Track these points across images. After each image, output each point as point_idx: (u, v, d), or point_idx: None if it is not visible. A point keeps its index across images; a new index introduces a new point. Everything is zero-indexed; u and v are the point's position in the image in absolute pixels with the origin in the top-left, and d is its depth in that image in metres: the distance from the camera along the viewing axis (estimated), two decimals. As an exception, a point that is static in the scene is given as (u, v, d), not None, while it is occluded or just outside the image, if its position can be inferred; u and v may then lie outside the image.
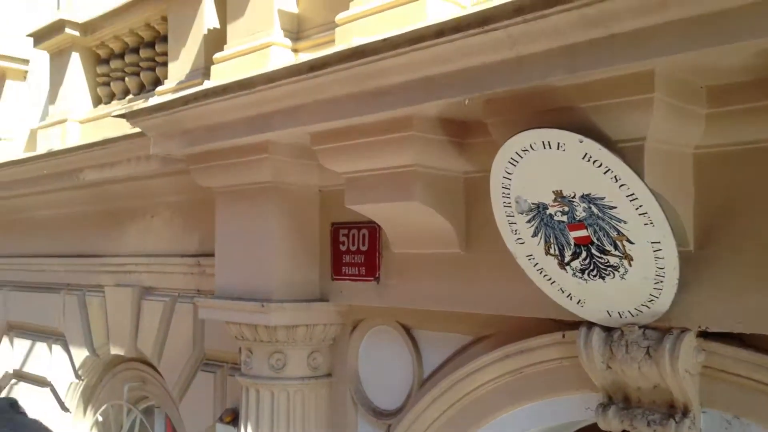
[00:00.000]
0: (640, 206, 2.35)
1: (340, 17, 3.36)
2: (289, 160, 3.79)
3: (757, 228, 2.35)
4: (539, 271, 2.77)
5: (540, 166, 2.51)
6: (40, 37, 6.10)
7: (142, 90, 5.47)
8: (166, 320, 5.01)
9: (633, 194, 2.34)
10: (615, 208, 2.41)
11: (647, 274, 2.47)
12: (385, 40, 2.75)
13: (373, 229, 3.65)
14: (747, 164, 2.37)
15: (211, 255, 4.36)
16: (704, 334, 2.52)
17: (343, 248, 3.82)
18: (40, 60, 6.69)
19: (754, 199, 2.35)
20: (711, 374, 2.55)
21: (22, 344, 6.64)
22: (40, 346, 6.28)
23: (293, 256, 3.92)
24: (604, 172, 2.36)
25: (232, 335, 4.07)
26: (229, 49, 4.10)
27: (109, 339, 5.51)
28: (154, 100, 4.37)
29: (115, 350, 5.45)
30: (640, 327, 2.62)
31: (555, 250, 2.67)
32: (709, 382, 2.56)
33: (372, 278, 3.64)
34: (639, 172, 2.31)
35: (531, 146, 2.48)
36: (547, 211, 2.60)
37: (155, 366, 5.15)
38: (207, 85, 3.86)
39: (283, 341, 3.90)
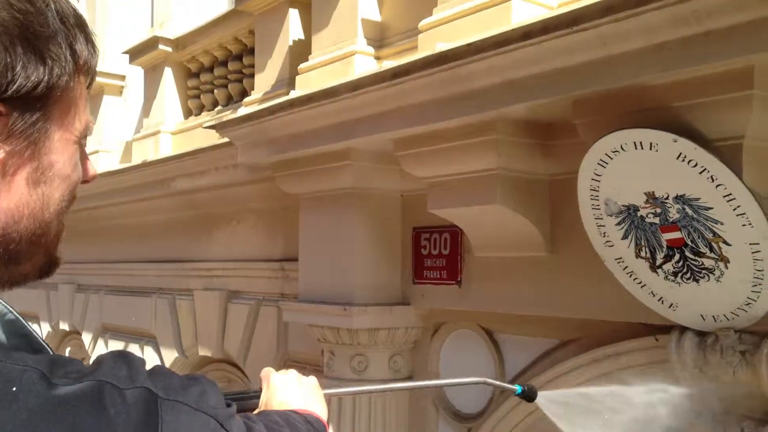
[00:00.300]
0: (738, 206, 2.28)
1: (423, 23, 3.41)
2: (371, 165, 3.85)
3: None
4: (629, 275, 2.73)
5: (631, 167, 2.48)
6: (135, 53, 6.43)
7: (230, 101, 5.67)
8: (252, 323, 5.16)
9: (730, 194, 2.28)
10: (711, 209, 2.35)
11: (745, 277, 2.39)
12: (469, 44, 2.77)
13: (455, 233, 3.67)
14: None
15: (295, 260, 4.47)
16: (806, 340, 2.42)
17: (424, 252, 3.85)
18: (135, 76, 7.04)
19: None
20: (814, 382, 2.45)
21: (115, 346, 6.96)
22: (133, 348, 6.57)
23: (375, 260, 3.97)
24: (700, 172, 2.31)
25: (315, 338, 4.15)
26: (313, 59, 4.21)
27: (197, 341, 5.71)
28: (241, 111, 4.55)
29: (203, 351, 5.65)
30: (736, 331, 2.54)
31: (646, 252, 2.62)
32: (811, 389, 2.45)
33: (454, 282, 3.65)
34: (737, 172, 2.24)
35: (622, 147, 2.46)
36: (638, 213, 2.56)
37: (241, 367, 5.30)
38: (292, 94, 3.99)
39: (365, 344, 3.96)
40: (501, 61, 2.68)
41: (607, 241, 2.72)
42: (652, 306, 2.71)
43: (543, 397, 2.10)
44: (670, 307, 2.66)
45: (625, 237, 2.65)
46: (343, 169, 3.89)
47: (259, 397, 1.46)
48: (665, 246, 2.55)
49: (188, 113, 6.24)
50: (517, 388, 1.95)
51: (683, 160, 2.32)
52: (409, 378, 4.03)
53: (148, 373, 0.92)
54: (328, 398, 1.55)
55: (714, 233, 2.39)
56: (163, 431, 0.85)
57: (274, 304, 4.87)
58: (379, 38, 3.99)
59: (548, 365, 3.25)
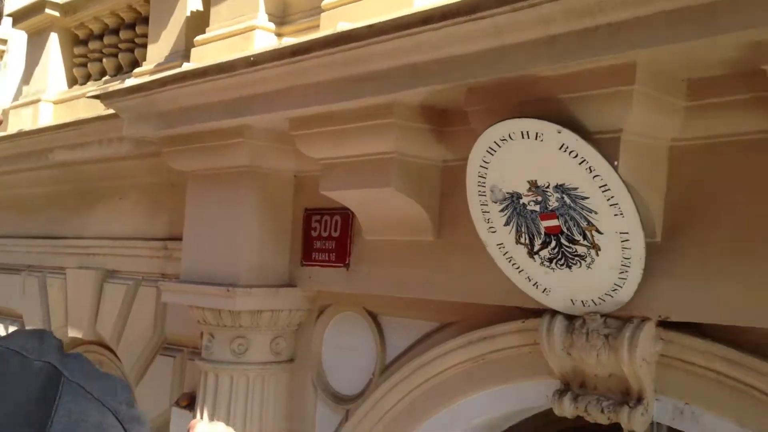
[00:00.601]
0: (612, 197, 2.44)
1: (326, 2, 3.42)
2: (265, 144, 3.80)
3: (723, 222, 2.45)
4: (508, 260, 2.85)
5: (517, 156, 2.59)
6: (19, 16, 6.03)
7: (120, 72, 5.44)
8: (128, 303, 4.96)
9: (606, 185, 2.43)
10: (587, 198, 2.50)
11: (613, 264, 2.56)
12: (370, 26, 2.80)
13: (346, 216, 3.69)
14: (719, 158, 2.47)
15: (179, 239, 4.34)
16: (663, 324, 2.62)
17: (314, 234, 3.85)
18: (18, 40, 6.60)
19: (723, 194, 2.45)
20: (667, 363, 2.65)
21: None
22: (-4, 328, 6.17)
23: (263, 241, 3.93)
24: (580, 163, 2.44)
25: (195, 320, 4.05)
26: (210, 32, 4.11)
27: (67, 321, 5.42)
28: (130, 82, 4.36)
29: (73, 333, 5.36)
30: (602, 316, 2.71)
31: (525, 239, 2.75)
32: (665, 370, 2.65)
33: (342, 264, 3.67)
34: (613, 164, 2.40)
35: (510, 135, 2.56)
36: (521, 201, 2.68)
37: (113, 349, 5.08)
38: (185, 67, 3.87)
39: (247, 326, 3.90)
40: (401, 45, 2.72)
41: (490, 227, 2.83)
42: (527, 290, 2.84)
43: None
44: (543, 291, 2.80)
45: (507, 223, 2.77)
46: (236, 147, 3.82)
47: None
48: (543, 233, 2.68)
49: (73, 82, 5.92)
50: None
51: (565, 151, 2.45)
52: (290, 361, 4.01)
53: (63, 355, 0.90)
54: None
55: (588, 222, 2.54)
56: (57, 409, 0.83)
57: (153, 285, 4.71)
58: (281, 14, 3.96)
59: (427, 347, 3.33)
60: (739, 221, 2.42)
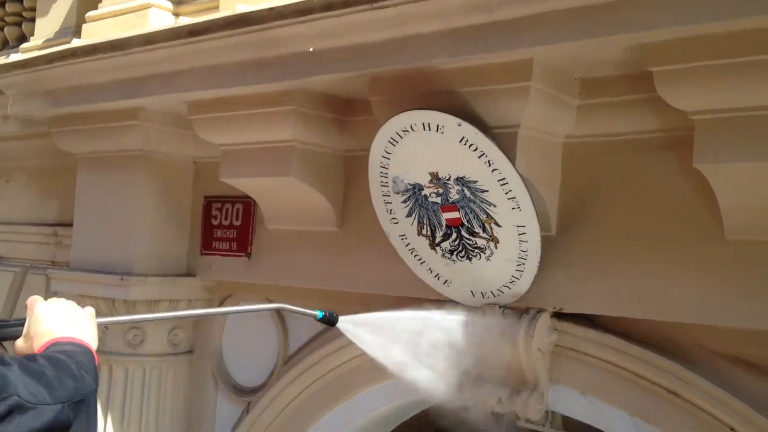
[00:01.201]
0: (510, 191, 2.46)
1: (226, -17, 3.27)
2: (162, 128, 3.65)
3: (613, 218, 2.53)
4: (411, 251, 2.84)
5: (419, 148, 2.58)
6: None
7: (6, 46, 5.08)
8: (15, 292, 4.68)
9: (504, 179, 2.45)
10: (486, 191, 2.51)
11: (511, 257, 2.59)
12: (271, 9, 2.71)
13: (247, 204, 3.59)
14: (609, 156, 2.54)
15: (70, 225, 4.13)
16: (558, 315, 2.68)
17: (215, 222, 3.73)
18: None
19: (613, 189, 2.53)
20: (561, 352, 2.72)
21: None
22: None
23: (160, 228, 3.78)
24: (479, 156, 2.45)
25: (88, 310, 3.85)
26: (103, 8, 3.88)
27: (-53, 311, 5.06)
28: (15, 57, 4.08)
29: (-47, 323, 5.01)
30: (500, 307, 2.75)
31: (427, 230, 2.74)
32: (559, 359, 2.73)
33: (243, 254, 3.57)
34: (511, 158, 2.42)
35: (411, 127, 2.54)
36: (423, 192, 2.67)
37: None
38: (76, 43, 3.66)
39: (143, 317, 3.75)
40: (302, 31, 2.64)
41: (392, 218, 2.81)
42: (429, 282, 2.85)
43: (344, 321, 2.27)
44: (444, 283, 2.81)
45: (409, 215, 2.76)
46: (130, 130, 3.64)
47: (22, 325, 1.41)
48: (444, 225, 2.69)
49: (-48, 54, 5.47)
50: (318, 313, 2.07)
51: (465, 144, 2.45)
52: (189, 353, 3.89)
53: None
54: (102, 329, 1.51)
55: (488, 215, 2.56)
56: None
57: (42, 273, 4.45)
58: (179, -7, 3.78)
59: (329, 339, 3.29)
60: (627, 217, 2.49)
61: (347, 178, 3.21)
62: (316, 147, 3.12)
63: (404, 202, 2.74)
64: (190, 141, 3.68)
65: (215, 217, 3.73)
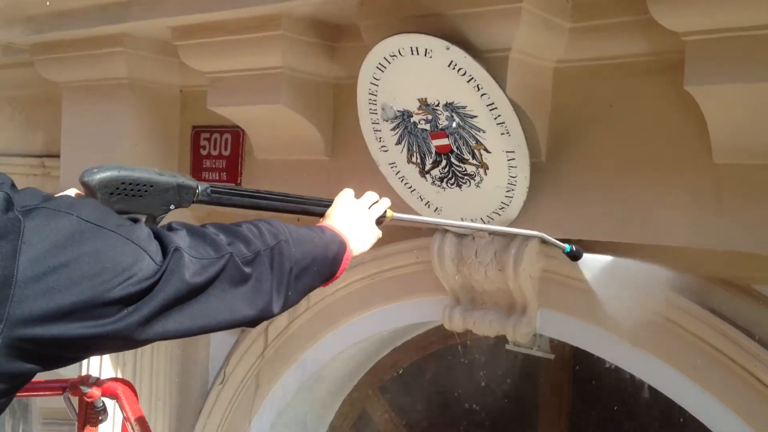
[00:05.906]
0: (499, 116, 2.44)
1: None
2: (147, 55, 3.57)
3: (603, 143, 2.51)
4: (401, 180, 2.83)
5: (407, 73, 2.53)
6: None
7: (-20, -31, 4.90)
8: (4, 225, 4.67)
9: (493, 104, 2.42)
10: (476, 117, 2.49)
11: (500, 183, 2.59)
12: (256, -74, 2.62)
13: (236, 134, 3.56)
14: (600, 80, 2.49)
15: (57, 156, 4.08)
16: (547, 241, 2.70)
17: (204, 152, 3.70)
18: None
19: (604, 115, 2.49)
20: (549, 277, 2.76)
21: None
22: None
23: (148, 159, 3.72)
24: (468, 81, 2.41)
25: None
26: (83, -71, 3.74)
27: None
28: (-8, -19, 3.96)
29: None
30: (490, 234, 2.77)
31: (417, 158, 2.73)
32: (547, 284, 2.77)
33: (233, 184, 3.56)
34: (501, 83, 2.38)
35: (399, 51, 2.49)
36: (412, 119, 2.65)
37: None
38: (56, -35, 3.53)
39: (136, 248, 3.76)
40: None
41: (382, 146, 2.79)
42: (419, 210, 2.85)
43: (587, 259, 2.27)
44: (435, 210, 2.82)
45: (398, 142, 2.74)
46: (114, 57, 3.56)
47: (328, 207, 1.67)
48: (434, 152, 2.67)
49: (-74, -20, 5.29)
50: (566, 246, 2.15)
51: (454, 68, 2.41)
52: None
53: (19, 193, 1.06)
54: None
55: (477, 141, 2.54)
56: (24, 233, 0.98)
57: (32, 205, 4.44)
58: None
59: (321, 267, 3.32)
60: (617, 142, 2.48)
61: (337, 107, 3.17)
62: (306, 74, 3.07)
63: (393, 129, 2.72)
64: (177, 69, 3.60)
65: (204, 147, 3.70)
